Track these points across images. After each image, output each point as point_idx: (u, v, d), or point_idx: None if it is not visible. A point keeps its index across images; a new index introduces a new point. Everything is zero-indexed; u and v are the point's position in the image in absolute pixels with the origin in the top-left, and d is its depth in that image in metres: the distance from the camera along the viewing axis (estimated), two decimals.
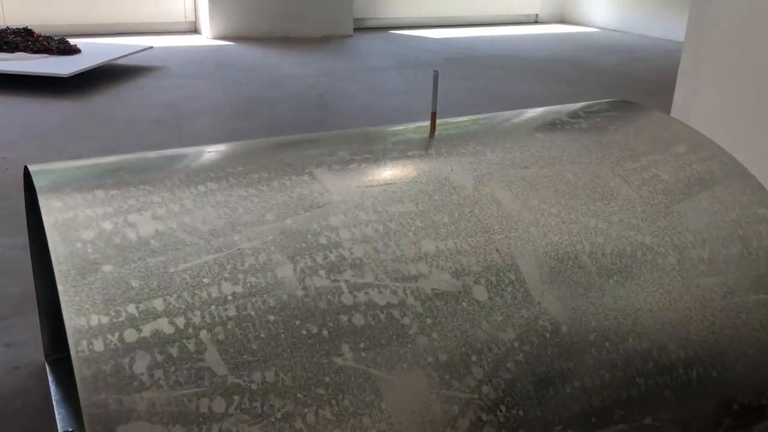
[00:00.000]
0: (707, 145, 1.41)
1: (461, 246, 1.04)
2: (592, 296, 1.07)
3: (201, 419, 0.79)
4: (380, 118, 4.38)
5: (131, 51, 5.28)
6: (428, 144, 1.25)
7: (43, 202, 0.93)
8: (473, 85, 5.24)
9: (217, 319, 0.85)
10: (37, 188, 0.98)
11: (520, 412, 0.96)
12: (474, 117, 1.50)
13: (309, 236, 0.98)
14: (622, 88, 5.29)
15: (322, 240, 0.98)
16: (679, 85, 2.62)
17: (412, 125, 1.42)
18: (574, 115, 1.47)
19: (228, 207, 0.99)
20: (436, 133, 1.32)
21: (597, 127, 1.41)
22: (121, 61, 5.29)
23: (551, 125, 1.40)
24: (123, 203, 0.96)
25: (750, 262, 1.23)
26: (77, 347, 0.78)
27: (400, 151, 1.21)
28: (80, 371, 0.77)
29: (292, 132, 4.66)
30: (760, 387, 1.16)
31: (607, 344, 1.05)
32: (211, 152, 1.18)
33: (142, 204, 0.96)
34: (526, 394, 0.97)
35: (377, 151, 1.21)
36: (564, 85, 5.32)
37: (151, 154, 1.17)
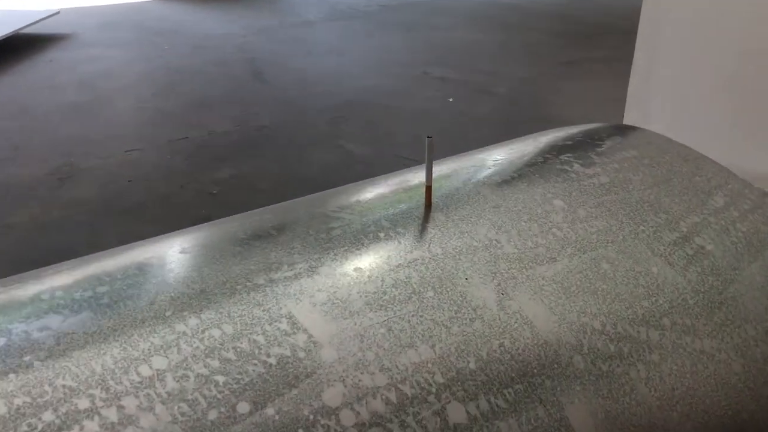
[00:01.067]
0: (745, 192, 1.20)
1: (496, 404, 0.80)
2: None
3: None
4: (322, 88, 4.04)
5: (35, 19, 4.71)
6: (429, 235, 0.99)
7: None
8: (414, 37, 4.91)
9: None
10: None
11: None
12: (470, 163, 1.23)
13: None
14: (572, 33, 5.05)
15: None
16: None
17: (397, 187, 1.15)
18: (587, 161, 1.22)
19: (185, 401, 0.71)
20: (433, 204, 1.06)
21: (618, 180, 1.16)
22: (24, 31, 4.72)
23: (566, 181, 1.15)
24: (37, 420, 0.67)
25: None
26: None
27: (399, 253, 0.94)
28: None
29: (223, 110, 4.26)
30: None
31: None
32: (149, 283, 0.88)
33: (65, 418, 0.67)
34: None
35: (367, 252, 0.93)
36: (508, 32, 5.05)
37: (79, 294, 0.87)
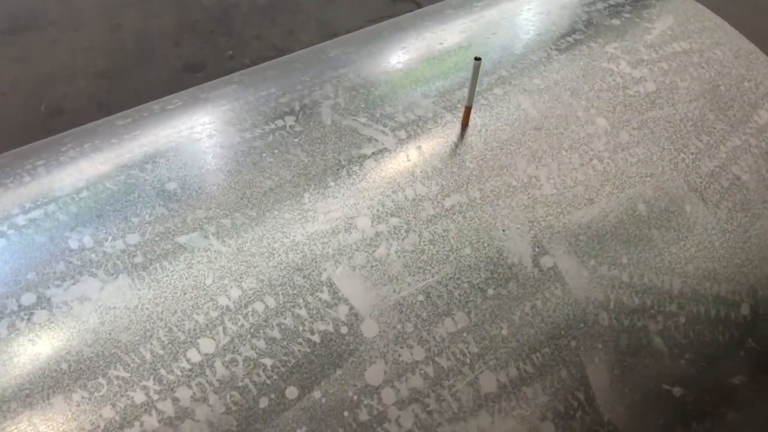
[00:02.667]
0: None
1: (525, 371, 0.85)
2: (664, 389, 0.93)
3: None
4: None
5: None
6: (467, 169, 0.94)
7: None
8: None
9: None
10: None
11: None
12: (504, 48, 1.12)
13: (346, 414, 0.76)
14: None
15: (363, 416, 0.76)
16: None
17: (432, 66, 1.06)
18: (635, 56, 1.12)
19: (236, 389, 0.74)
20: (471, 121, 1.00)
21: (664, 89, 1.09)
22: None
23: (611, 89, 1.07)
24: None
25: None
26: None
27: (436, 198, 0.91)
28: None
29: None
30: None
31: None
32: (180, 212, 0.85)
33: (123, 418, 0.70)
34: None
35: (406, 205, 0.90)
36: None
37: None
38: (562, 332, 0.88)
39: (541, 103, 1.04)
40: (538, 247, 0.90)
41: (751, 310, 1.00)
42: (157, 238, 0.82)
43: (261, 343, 0.76)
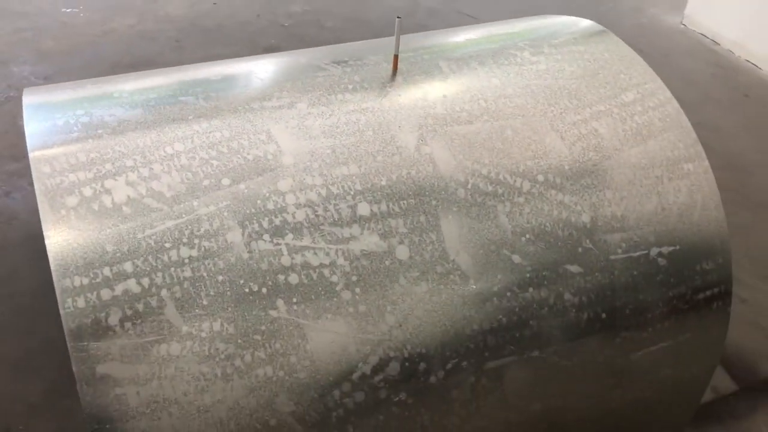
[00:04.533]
0: (657, 92, 1.50)
1: (393, 209, 1.22)
2: (504, 253, 1.26)
3: (160, 360, 1.04)
4: None
5: None
6: (386, 92, 1.36)
7: (33, 165, 1.11)
8: None
9: (175, 279, 1.07)
10: (28, 146, 1.15)
11: (423, 350, 1.20)
12: (444, 39, 1.57)
13: (258, 201, 1.16)
14: None
15: (270, 205, 1.16)
16: None
17: (380, 52, 1.50)
18: (538, 50, 1.53)
19: (190, 171, 1.16)
20: (400, 68, 1.42)
21: (554, 70, 1.49)
22: None
23: (510, 65, 1.48)
24: (101, 167, 1.13)
25: (662, 217, 1.38)
26: (64, 305, 1.02)
27: (359, 101, 1.33)
28: (67, 324, 1.01)
29: None
30: (644, 324, 1.38)
31: (509, 294, 1.26)
32: (178, 87, 1.31)
33: (117, 169, 1.14)
34: (430, 335, 1.20)
35: (337, 101, 1.33)
36: None
37: (128, 90, 1.31)
38: (427, 193, 1.25)
39: (454, 64, 1.46)
40: (421, 140, 1.30)
41: (591, 220, 1.33)
42: None
43: (213, 152, 1.19)
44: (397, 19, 1.37)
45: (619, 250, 1.34)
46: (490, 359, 1.26)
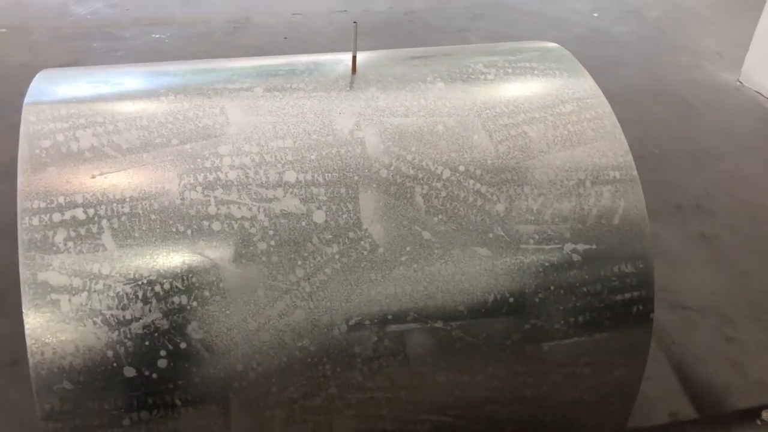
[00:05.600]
0: (597, 107, 1.61)
1: (317, 179, 1.40)
2: (415, 229, 1.41)
3: (93, 276, 1.26)
4: None
5: None
6: (337, 85, 1.56)
7: (24, 114, 1.38)
8: None
9: (115, 213, 1.29)
10: (25, 100, 1.42)
11: (328, 303, 1.35)
12: (407, 54, 1.75)
13: (198, 160, 1.37)
14: None
15: (207, 164, 1.37)
16: None
17: (344, 58, 1.70)
18: (493, 64, 1.69)
19: (147, 131, 1.39)
20: (359, 71, 1.62)
21: (499, 80, 1.64)
22: None
23: (461, 75, 1.64)
24: (76, 121, 1.38)
25: (579, 216, 1.49)
26: (22, 221, 1.25)
27: (310, 90, 1.53)
28: (21, 236, 1.25)
29: None
30: (555, 314, 1.47)
31: (415, 265, 1.40)
32: (164, 73, 1.56)
33: (88, 123, 1.38)
34: (335, 291, 1.36)
35: (290, 89, 1.53)
36: None
37: (128, 74, 1.58)
38: (351, 169, 1.42)
39: (407, 68, 1.64)
40: (356, 126, 1.48)
41: (505, 210, 1.46)
42: None
43: (170, 118, 1.42)
44: (354, 23, 1.57)
45: (531, 241, 1.45)
46: (393, 323, 1.39)
